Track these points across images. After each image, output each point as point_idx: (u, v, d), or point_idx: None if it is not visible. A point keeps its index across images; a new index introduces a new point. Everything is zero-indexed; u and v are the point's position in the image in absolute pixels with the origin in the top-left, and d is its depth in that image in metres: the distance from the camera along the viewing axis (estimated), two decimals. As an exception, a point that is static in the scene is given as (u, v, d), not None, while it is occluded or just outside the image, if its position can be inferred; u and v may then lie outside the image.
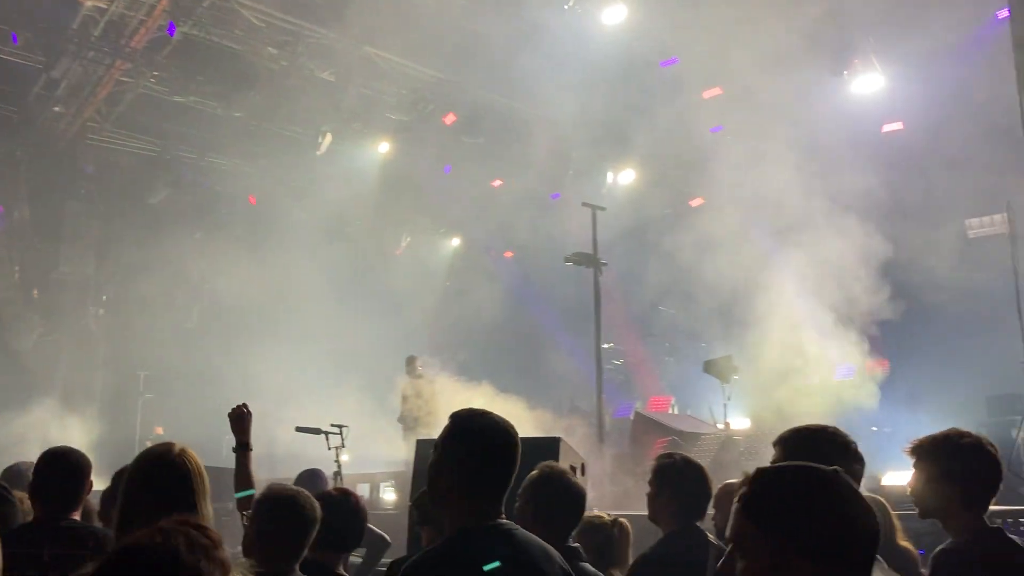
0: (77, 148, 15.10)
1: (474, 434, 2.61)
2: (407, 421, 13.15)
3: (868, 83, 13.01)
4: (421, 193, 17.49)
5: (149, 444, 3.60)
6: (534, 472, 3.56)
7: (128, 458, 3.64)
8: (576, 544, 3.54)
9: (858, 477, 2.87)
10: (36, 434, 11.58)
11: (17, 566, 2.94)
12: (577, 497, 3.55)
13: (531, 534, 2.64)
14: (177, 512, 2.51)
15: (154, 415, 14.87)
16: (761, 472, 1.95)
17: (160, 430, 14.93)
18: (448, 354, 16.40)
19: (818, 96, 13.29)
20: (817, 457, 2.73)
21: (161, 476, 2.62)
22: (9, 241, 14.93)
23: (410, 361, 13.58)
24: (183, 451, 2.69)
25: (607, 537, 4.16)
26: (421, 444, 6.40)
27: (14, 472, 5.28)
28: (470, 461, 2.57)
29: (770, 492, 1.88)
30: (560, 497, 3.48)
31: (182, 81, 14.28)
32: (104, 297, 15.92)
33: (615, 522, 4.28)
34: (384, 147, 16.07)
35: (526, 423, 11.14)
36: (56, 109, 14.54)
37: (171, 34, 12.96)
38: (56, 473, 3.56)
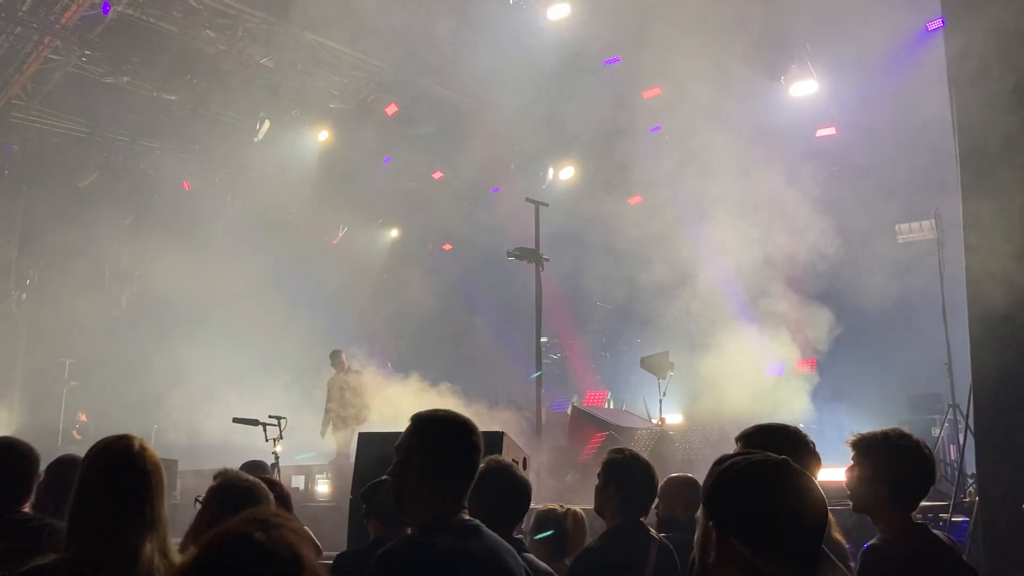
0: (1, 126, 14.55)
1: (442, 433, 2.70)
2: (337, 415, 13.04)
3: (804, 88, 13.32)
4: (359, 183, 17.34)
5: (74, 433, 3.54)
6: (480, 465, 3.58)
7: (51, 447, 3.57)
8: (519, 535, 3.58)
9: (815, 475, 2.95)
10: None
11: None
12: (523, 490, 3.58)
13: (491, 531, 2.71)
14: (131, 511, 2.46)
15: (79, 404, 14.45)
16: (716, 462, 2.00)
17: (83, 416, 14.55)
18: (383, 347, 16.34)
19: (755, 99, 13.57)
20: (777, 453, 2.84)
21: (120, 473, 2.53)
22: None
23: (335, 355, 13.46)
24: (143, 447, 2.62)
25: (561, 528, 4.22)
26: (363, 438, 6.37)
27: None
28: (439, 459, 2.65)
29: (717, 482, 1.93)
30: (507, 490, 3.50)
31: (115, 62, 13.86)
32: (28, 281, 15.39)
33: (568, 513, 4.34)
34: (323, 135, 15.86)
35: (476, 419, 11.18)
36: (-20, 85, 13.99)
37: (105, 12, 12.56)
38: (4, 465, 3.45)
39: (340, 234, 19.14)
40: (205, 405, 13.79)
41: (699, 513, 1.97)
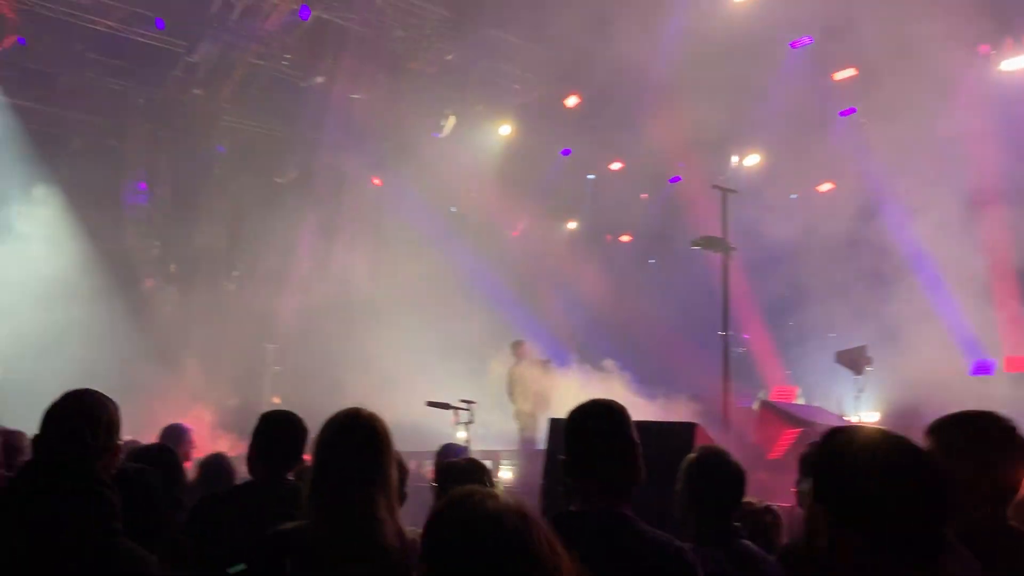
0: (213, 128, 15.70)
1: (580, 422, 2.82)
2: (519, 404, 13.24)
3: (1018, 63, 12.24)
4: (539, 176, 17.47)
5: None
6: (692, 454, 3.50)
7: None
8: (737, 524, 3.48)
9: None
10: (175, 406, 12.15)
11: (240, 525, 3.06)
12: (738, 476, 3.46)
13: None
14: (365, 474, 2.58)
15: (280, 387, 15.36)
16: (828, 434, 1.83)
17: (278, 399, 15.38)
18: (562, 338, 16.42)
19: (963, 77, 12.60)
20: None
21: (355, 440, 2.69)
22: (151, 218, 15.67)
23: (517, 345, 13.64)
24: (372, 415, 2.77)
25: (760, 524, 4.08)
26: (554, 423, 6.40)
27: (176, 431, 5.56)
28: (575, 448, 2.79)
29: (829, 459, 1.75)
30: (722, 477, 3.40)
31: (312, 64, 14.65)
32: (235, 272, 16.55)
33: (767, 509, 4.20)
34: (506, 129, 16.11)
35: (646, 411, 11.05)
36: (195, 91, 15.14)
37: (304, 17, 13.31)
38: (279, 434, 3.69)
39: (520, 226, 19.38)
40: (391, 391, 14.35)
41: (805, 486, 1.80)
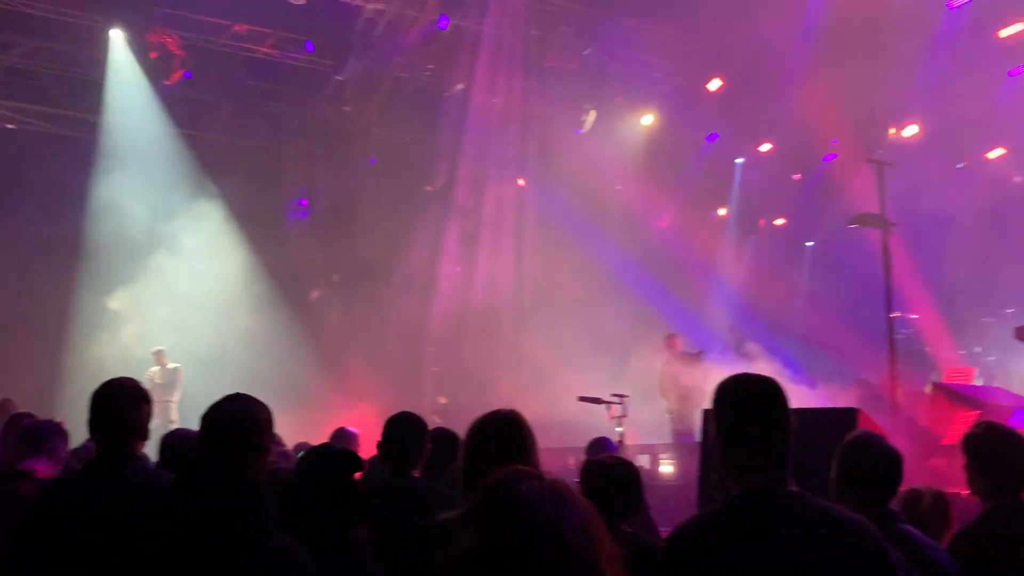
0: (364, 142, 16.37)
1: (729, 393, 2.54)
2: (670, 398, 13.09)
3: None
4: (685, 163, 17.19)
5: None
6: (847, 437, 3.41)
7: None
8: (896, 509, 3.35)
9: None
10: (342, 409, 12.81)
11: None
12: (893, 459, 3.33)
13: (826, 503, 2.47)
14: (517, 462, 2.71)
15: (440, 388, 15.86)
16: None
17: (444, 400, 15.82)
18: (716, 329, 16.09)
19: None
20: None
21: (504, 434, 2.95)
22: (312, 231, 16.54)
23: (669, 339, 13.47)
24: (516, 413, 3.05)
25: (922, 509, 3.90)
26: (707, 414, 6.32)
27: (344, 434, 5.87)
28: (726, 421, 2.51)
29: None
30: (875, 459, 3.29)
31: (452, 71, 15.03)
32: (393, 279, 17.23)
33: (927, 493, 4.02)
34: (648, 120, 15.95)
35: (807, 399, 10.68)
36: (345, 108, 15.85)
37: (443, 27, 13.67)
38: (400, 435, 3.91)
39: (667, 217, 19.12)
40: (542, 388, 14.56)
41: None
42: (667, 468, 11.67)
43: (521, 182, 17.17)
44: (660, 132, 16.18)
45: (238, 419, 2.80)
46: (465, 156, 16.51)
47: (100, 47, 13.70)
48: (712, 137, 16.65)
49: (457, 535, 1.67)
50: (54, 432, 4.57)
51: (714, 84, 14.99)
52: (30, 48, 14.15)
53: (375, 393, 14.50)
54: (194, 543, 2.47)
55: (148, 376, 12.59)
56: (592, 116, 15.41)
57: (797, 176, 17.47)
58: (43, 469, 4.28)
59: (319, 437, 6.51)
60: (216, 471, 2.61)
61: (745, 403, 2.51)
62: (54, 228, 14.62)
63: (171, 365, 13.13)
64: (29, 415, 5.76)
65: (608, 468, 3.79)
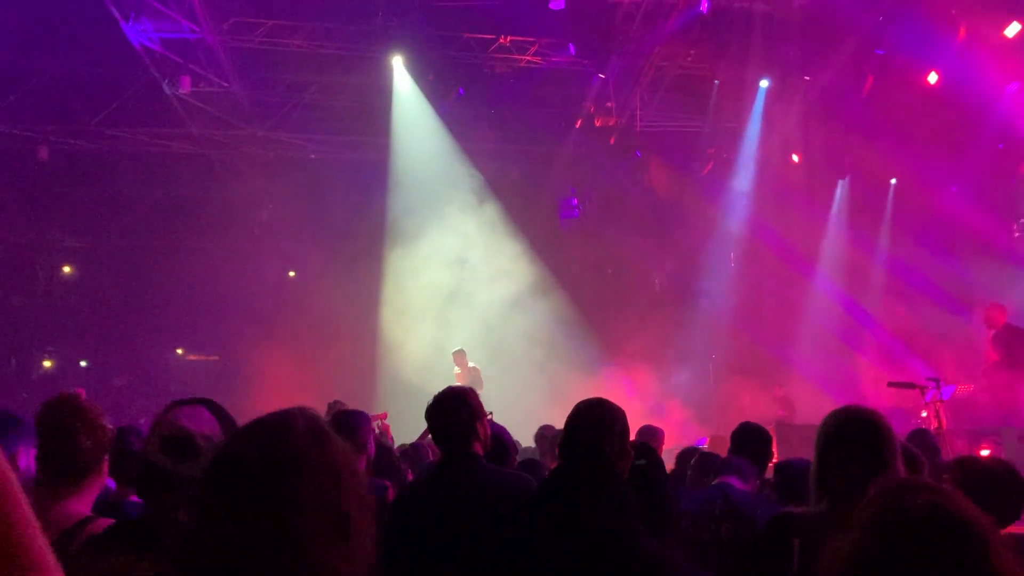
0: (628, 136, 16.46)
1: None
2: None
3: None
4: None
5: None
6: None
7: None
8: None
9: None
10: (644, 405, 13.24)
11: None
12: None
13: None
14: (869, 466, 2.62)
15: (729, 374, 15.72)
16: None
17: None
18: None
19: None
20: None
21: (856, 432, 2.77)
22: (583, 231, 16.91)
23: (994, 309, 12.17)
24: (872, 412, 2.85)
25: None
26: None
27: (649, 430, 5.98)
28: None
29: None
30: None
31: (717, 52, 14.69)
32: (665, 270, 17.30)
33: None
34: (932, 78, 14.63)
35: None
36: (608, 104, 16.02)
37: (704, 10, 13.38)
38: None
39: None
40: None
41: None
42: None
43: (795, 158, 16.47)
44: (946, 88, 14.73)
45: (604, 425, 2.92)
46: (737, 138, 16.15)
47: (384, 75, 14.86)
48: (1014, 88, 14.90)
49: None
50: (362, 421, 4.63)
51: (1012, 29, 13.41)
52: (324, 83, 15.68)
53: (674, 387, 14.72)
54: (574, 546, 2.62)
55: (456, 376, 13.51)
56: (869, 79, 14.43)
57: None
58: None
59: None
60: (586, 476, 2.76)
61: None
62: (357, 243, 16.15)
63: (470, 364, 13.95)
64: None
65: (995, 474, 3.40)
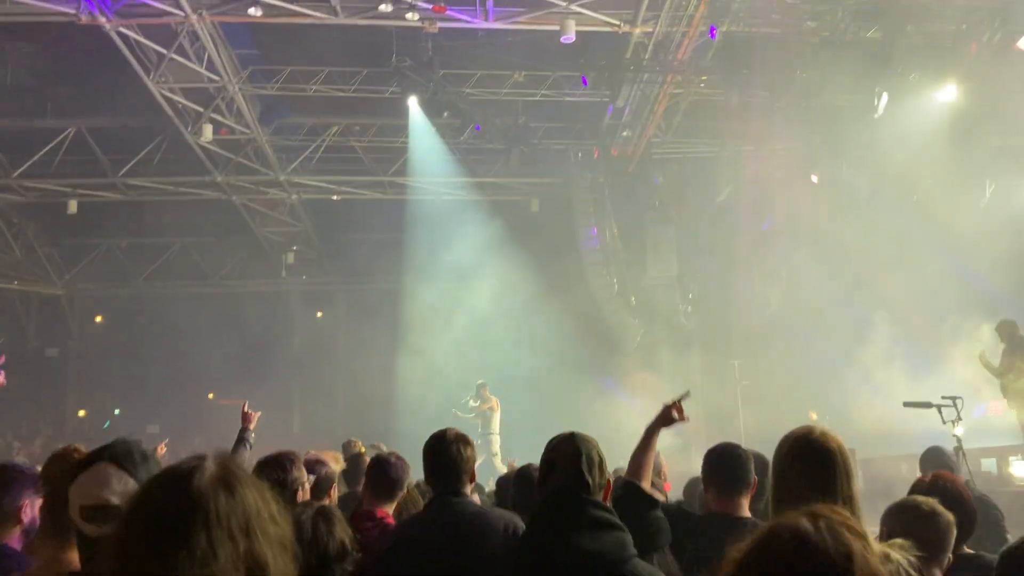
0: (646, 164, 16.53)
1: None
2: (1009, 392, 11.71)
3: None
4: (1002, 131, 15.39)
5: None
6: None
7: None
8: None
9: None
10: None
11: None
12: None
13: None
14: (820, 492, 2.59)
15: (750, 400, 15.42)
16: None
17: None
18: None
19: None
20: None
21: (806, 458, 2.73)
22: (605, 258, 16.93)
23: (1003, 326, 12.00)
24: (823, 433, 2.79)
25: None
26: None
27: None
28: None
29: None
30: None
31: (729, 79, 14.76)
32: (690, 295, 17.11)
33: None
34: (950, 91, 14.55)
35: None
36: (624, 134, 16.13)
37: (712, 37, 13.50)
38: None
39: (988, 192, 17.25)
40: (867, 393, 13.74)
41: None
42: (1021, 470, 10.48)
43: (814, 178, 16.38)
44: (965, 103, 14.63)
45: (584, 456, 2.94)
46: (751, 161, 16.12)
47: (402, 115, 15.11)
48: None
49: None
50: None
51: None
52: (344, 126, 15.98)
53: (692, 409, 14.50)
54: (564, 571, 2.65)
55: (473, 408, 13.54)
56: (884, 98, 14.36)
57: None
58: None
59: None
60: (572, 508, 2.80)
61: None
62: (379, 283, 16.30)
63: (490, 395, 13.96)
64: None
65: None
